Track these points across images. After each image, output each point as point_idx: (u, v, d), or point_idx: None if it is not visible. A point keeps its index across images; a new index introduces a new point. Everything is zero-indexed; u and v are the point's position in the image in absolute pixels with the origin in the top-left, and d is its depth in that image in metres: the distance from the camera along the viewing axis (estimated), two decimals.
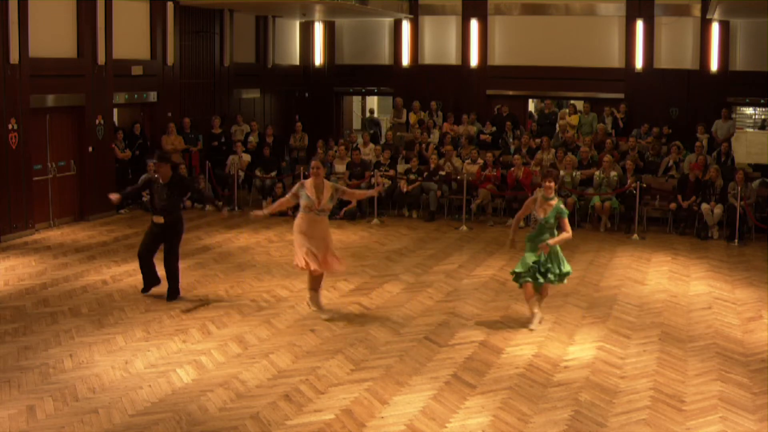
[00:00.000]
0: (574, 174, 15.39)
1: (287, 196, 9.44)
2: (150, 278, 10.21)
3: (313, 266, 9.16)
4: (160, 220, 9.87)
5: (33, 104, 13.70)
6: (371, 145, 17.84)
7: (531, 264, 8.92)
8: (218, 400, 7.10)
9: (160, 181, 9.88)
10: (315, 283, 9.52)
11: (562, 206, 9.03)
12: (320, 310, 9.54)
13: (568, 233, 8.96)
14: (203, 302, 9.96)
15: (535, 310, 9.16)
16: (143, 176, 9.81)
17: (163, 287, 10.16)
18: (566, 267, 9.12)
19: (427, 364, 8.01)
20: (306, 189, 9.22)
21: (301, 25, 22.18)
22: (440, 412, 6.91)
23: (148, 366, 7.86)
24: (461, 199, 15.55)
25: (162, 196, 9.85)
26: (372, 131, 20.81)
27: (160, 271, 10.14)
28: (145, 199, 10.12)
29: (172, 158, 9.98)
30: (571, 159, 15.64)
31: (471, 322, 9.25)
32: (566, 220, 9.00)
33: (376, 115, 24.96)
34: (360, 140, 18.48)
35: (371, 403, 7.07)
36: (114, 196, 10.24)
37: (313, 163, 9.41)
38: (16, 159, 13.35)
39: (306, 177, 16.01)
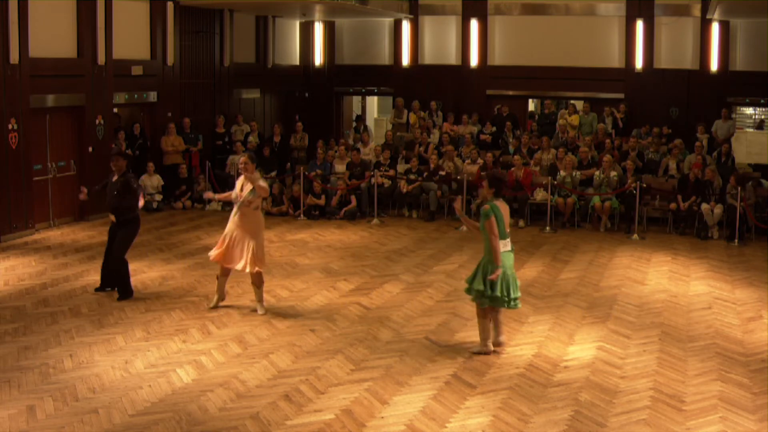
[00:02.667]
0: (574, 174, 15.39)
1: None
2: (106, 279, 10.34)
3: (213, 255, 9.44)
4: (112, 218, 10.03)
5: (33, 104, 13.70)
6: (371, 145, 17.85)
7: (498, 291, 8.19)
8: (218, 400, 7.10)
9: (115, 176, 10.01)
10: (224, 270, 9.61)
11: (482, 209, 8.28)
12: (219, 299, 9.73)
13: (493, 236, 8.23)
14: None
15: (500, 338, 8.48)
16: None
17: (155, 290, 10.14)
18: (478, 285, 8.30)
19: (427, 364, 8.01)
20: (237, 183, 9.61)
21: (301, 25, 22.16)
22: (440, 412, 6.91)
23: (148, 366, 7.86)
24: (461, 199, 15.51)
25: (113, 193, 9.96)
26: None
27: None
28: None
29: (125, 153, 10.44)
30: (571, 159, 15.65)
31: (471, 322, 9.24)
32: (489, 221, 8.16)
33: (366, 114, 25.00)
34: (351, 141, 18.48)
35: (371, 403, 7.07)
36: (82, 194, 10.37)
37: (242, 159, 9.53)
38: (16, 159, 13.35)
39: (305, 176, 16.16)
